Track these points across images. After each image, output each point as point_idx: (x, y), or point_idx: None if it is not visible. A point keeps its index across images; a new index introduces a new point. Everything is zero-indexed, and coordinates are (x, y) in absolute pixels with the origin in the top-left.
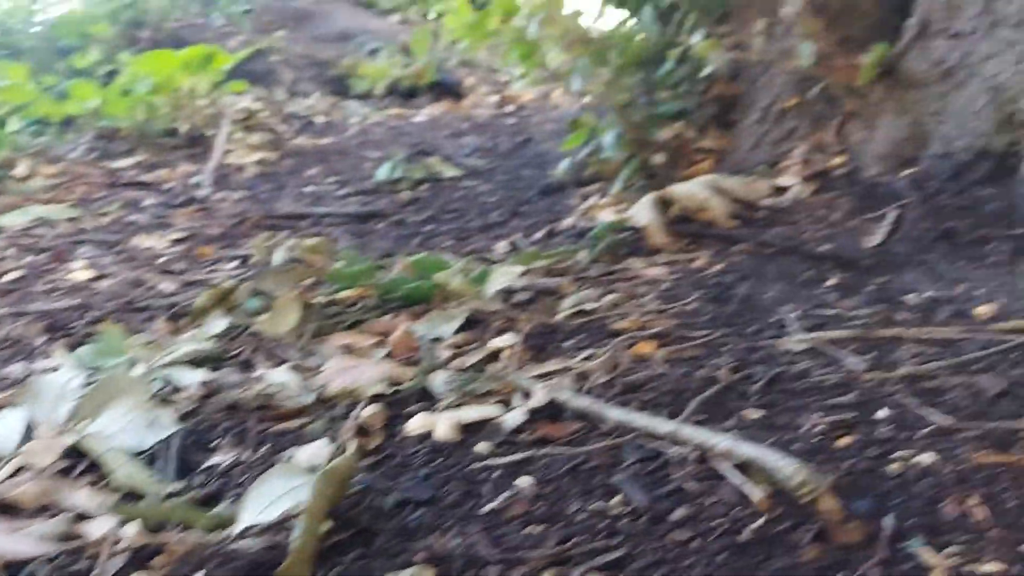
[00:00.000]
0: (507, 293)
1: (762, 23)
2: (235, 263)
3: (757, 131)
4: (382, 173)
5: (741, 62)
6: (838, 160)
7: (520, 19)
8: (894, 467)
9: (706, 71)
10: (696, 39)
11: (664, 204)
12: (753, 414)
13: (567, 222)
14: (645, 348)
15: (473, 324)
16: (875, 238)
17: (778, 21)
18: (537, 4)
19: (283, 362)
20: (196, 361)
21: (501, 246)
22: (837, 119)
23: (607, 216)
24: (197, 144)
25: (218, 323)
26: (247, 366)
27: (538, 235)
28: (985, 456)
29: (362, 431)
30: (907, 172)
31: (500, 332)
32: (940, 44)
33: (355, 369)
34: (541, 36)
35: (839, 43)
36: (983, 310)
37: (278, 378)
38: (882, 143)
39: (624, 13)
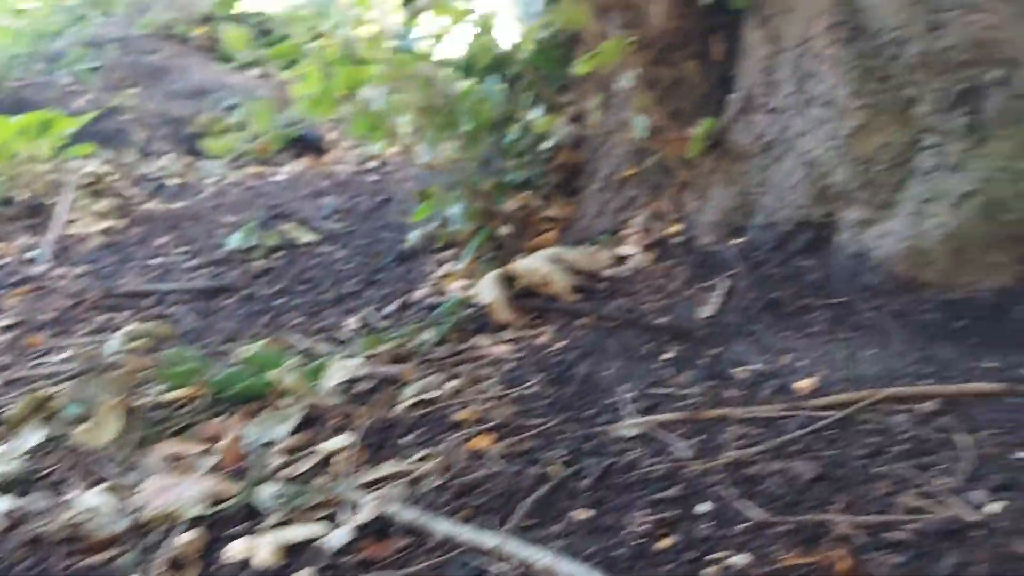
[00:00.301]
0: (349, 383)
1: (599, 96)
2: (67, 353)
3: (600, 200)
4: (234, 241)
5: (585, 131)
6: (675, 228)
7: (367, 90)
8: (710, 571)
9: (549, 142)
10: (537, 111)
11: (508, 279)
12: (582, 514)
13: (420, 293)
14: (482, 442)
15: (311, 422)
16: (708, 308)
17: (614, 94)
18: (385, 74)
19: (100, 480)
20: (3, 485)
21: (352, 322)
22: (673, 189)
23: (458, 287)
24: (37, 214)
25: (34, 435)
26: (59, 487)
27: (391, 308)
28: (794, 557)
29: (175, 564)
30: (736, 241)
31: (337, 431)
32: (761, 119)
33: (175, 487)
34: (389, 106)
35: (671, 116)
36: (804, 384)
37: (90, 502)
38: (714, 212)
39: (471, 80)
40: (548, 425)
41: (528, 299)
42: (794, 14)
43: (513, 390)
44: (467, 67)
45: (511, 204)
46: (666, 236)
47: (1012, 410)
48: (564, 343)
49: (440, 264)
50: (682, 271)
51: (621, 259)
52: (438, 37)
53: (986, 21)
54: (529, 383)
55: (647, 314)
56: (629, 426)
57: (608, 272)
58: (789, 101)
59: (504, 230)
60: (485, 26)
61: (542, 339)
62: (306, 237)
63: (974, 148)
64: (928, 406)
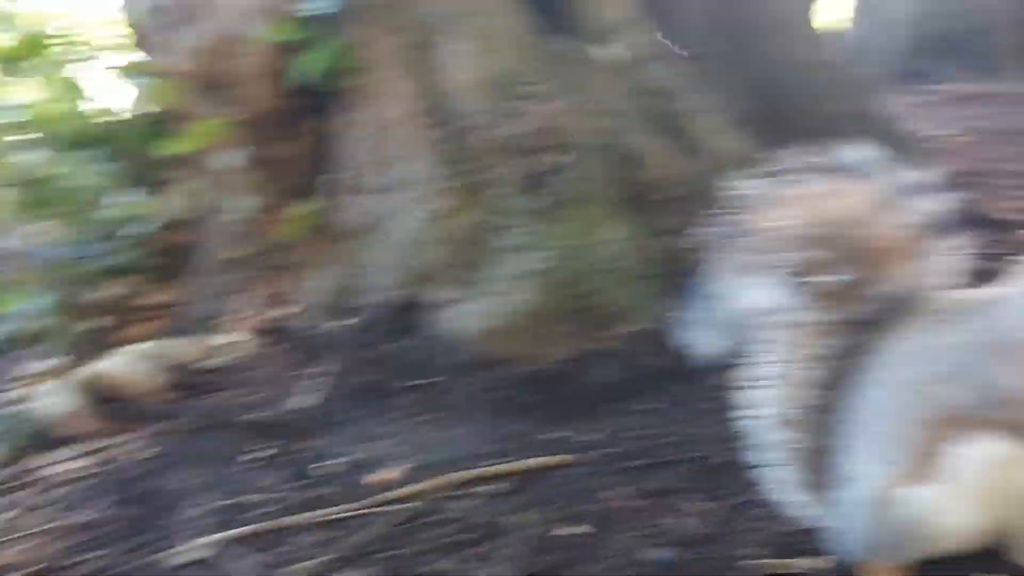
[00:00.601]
0: None
1: (205, 176)
2: None
3: (208, 284)
4: None
5: (191, 211)
6: (285, 311)
7: None
8: None
9: (153, 224)
10: (140, 191)
11: (92, 381)
12: None
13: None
14: None
15: None
16: (308, 398)
17: (221, 173)
18: None
19: None
20: None
21: None
22: (282, 270)
23: (38, 392)
24: None
25: None
26: None
27: None
28: None
29: None
30: (341, 324)
31: None
32: (362, 199)
33: None
34: None
35: (278, 195)
36: (386, 476)
37: None
38: (322, 294)
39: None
40: (104, 561)
41: (114, 403)
42: (385, 99)
43: (76, 517)
44: (61, 141)
45: (109, 292)
46: (275, 320)
47: (576, 480)
48: (148, 453)
49: (25, 364)
50: (288, 358)
51: (227, 347)
52: (29, 108)
53: (554, 110)
54: (96, 507)
55: (245, 409)
56: (198, 548)
57: (211, 363)
58: (384, 182)
59: (99, 322)
60: (75, 97)
61: (122, 450)
62: None
63: (547, 228)
64: (500, 486)
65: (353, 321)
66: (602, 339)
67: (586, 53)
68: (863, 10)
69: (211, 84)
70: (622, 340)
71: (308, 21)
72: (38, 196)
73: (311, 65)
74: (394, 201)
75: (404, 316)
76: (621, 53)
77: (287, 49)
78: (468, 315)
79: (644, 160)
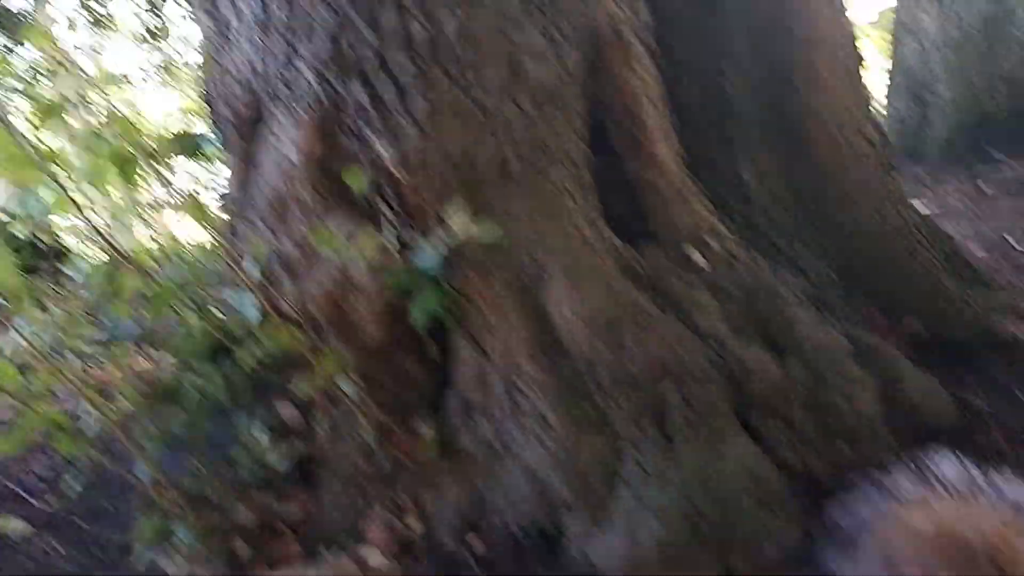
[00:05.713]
0: None
1: (323, 405)
2: None
3: (340, 500)
4: None
5: (315, 427)
6: (416, 530)
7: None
8: None
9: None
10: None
11: None
12: None
13: None
14: None
15: None
16: None
17: (339, 398)
18: None
19: None
20: None
21: None
22: (410, 488)
23: None
24: None
25: None
26: None
27: None
28: None
29: None
30: (473, 546)
31: None
32: (481, 423)
33: None
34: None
35: (397, 416)
36: None
37: None
38: (451, 513)
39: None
40: None
41: None
42: (496, 333)
43: None
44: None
45: (248, 510)
46: (408, 539)
47: None
48: None
49: None
50: None
51: (364, 566)
52: None
53: (661, 337)
54: None
55: None
56: None
57: None
58: (504, 411)
59: (240, 548)
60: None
61: None
62: None
63: (668, 460)
64: None
65: (486, 544)
66: (746, 565)
67: (671, 260)
68: (899, 88)
69: (327, 324)
70: (766, 566)
71: (416, 272)
72: (164, 403)
73: (421, 309)
74: (517, 430)
75: (538, 543)
76: (701, 259)
77: (401, 294)
78: (602, 548)
79: (748, 374)
